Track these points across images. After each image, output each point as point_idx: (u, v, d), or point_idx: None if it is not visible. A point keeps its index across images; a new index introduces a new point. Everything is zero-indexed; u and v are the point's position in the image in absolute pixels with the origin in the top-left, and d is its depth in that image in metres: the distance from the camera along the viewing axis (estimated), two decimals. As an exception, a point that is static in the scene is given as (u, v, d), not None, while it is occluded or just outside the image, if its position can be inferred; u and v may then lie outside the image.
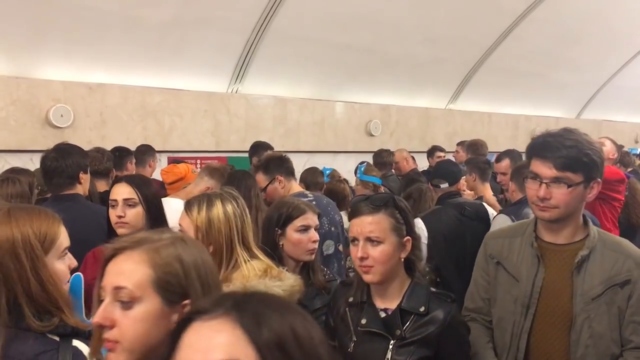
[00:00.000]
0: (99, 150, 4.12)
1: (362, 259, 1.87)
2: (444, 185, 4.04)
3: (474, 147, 6.18)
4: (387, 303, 1.93)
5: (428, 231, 3.62)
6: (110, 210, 2.47)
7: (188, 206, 2.11)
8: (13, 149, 5.13)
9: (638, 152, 7.81)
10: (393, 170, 6.23)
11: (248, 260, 2.01)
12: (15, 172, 3.41)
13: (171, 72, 6.16)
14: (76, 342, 1.51)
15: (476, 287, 2.27)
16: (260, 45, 6.41)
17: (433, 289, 1.95)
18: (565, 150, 1.94)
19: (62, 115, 5.33)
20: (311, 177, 4.56)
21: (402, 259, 1.92)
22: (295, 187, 3.51)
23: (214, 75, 6.52)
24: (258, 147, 5.14)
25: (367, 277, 1.90)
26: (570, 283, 2.01)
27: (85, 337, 1.52)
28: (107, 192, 3.89)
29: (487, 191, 4.73)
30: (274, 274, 1.98)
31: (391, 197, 1.98)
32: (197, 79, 6.36)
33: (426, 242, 3.60)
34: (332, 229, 3.29)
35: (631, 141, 11.62)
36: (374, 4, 6.68)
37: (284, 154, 3.62)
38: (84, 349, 1.50)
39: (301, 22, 6.45)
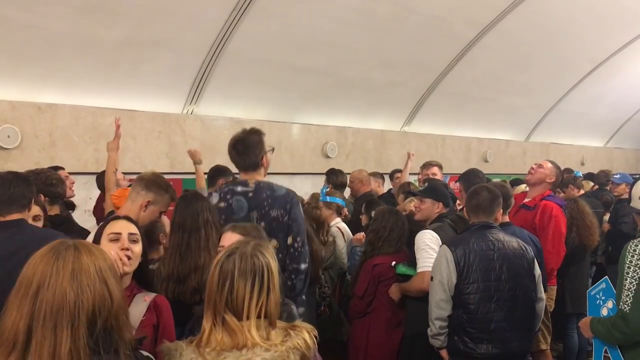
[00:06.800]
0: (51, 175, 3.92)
1: None
2: None
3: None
4: None
5: None
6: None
7: None
8: (-44, 171, 4.93)
9: (580, 175, 8.08)
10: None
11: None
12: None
13: (125, 93, 6.05)
14: None
15: None
16: (217, 67, 6.38)
17: None
18: None
19: (9, 136, 5.18)
20: None
21: None
22: None
23: (169, 96, 6.44)
24: (224, 172, 4.84)
25: None
26: None
27: None
28: (58, 216, 3.78)
29: None
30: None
31: None
32: (151, 99, 6.27)
33: None
34: None
35: (577, 163, 12.05)
36: (331, 28, 6.75)
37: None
38: None
39: (258, 44, 6.45)
